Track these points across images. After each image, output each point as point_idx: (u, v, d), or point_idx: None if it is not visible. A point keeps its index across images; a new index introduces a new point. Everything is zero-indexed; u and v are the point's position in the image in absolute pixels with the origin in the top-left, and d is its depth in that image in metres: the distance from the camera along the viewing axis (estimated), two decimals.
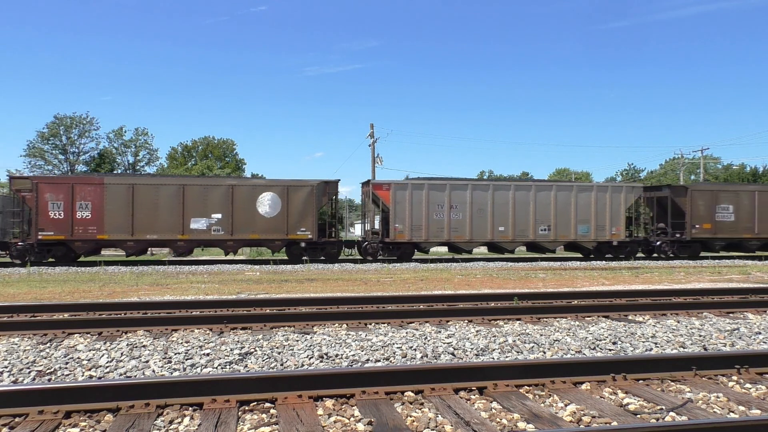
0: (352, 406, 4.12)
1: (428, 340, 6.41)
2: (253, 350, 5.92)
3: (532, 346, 6.22)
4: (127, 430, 3.62)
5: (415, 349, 5.99)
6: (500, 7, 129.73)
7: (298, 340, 6.40)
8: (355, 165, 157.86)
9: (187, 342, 6.29)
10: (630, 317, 8.10)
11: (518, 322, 7.63)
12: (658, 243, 25.05)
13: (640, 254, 26.14)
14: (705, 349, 6.32)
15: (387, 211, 22.83)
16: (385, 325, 7.38)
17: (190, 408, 4.03)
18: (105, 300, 10.14)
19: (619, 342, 6.49)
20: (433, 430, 3.66)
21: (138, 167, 62.69)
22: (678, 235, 24.84)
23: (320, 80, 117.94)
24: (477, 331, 6.92)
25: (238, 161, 66.79)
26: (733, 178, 55.41)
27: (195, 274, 17.21)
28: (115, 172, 58.74)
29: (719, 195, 25.16)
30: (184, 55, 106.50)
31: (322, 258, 22.54)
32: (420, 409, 4.04)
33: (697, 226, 24.71)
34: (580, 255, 25.80)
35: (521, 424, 3.75)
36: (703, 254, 25.97)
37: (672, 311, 8.47)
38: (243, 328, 7.09)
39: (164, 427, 3.72)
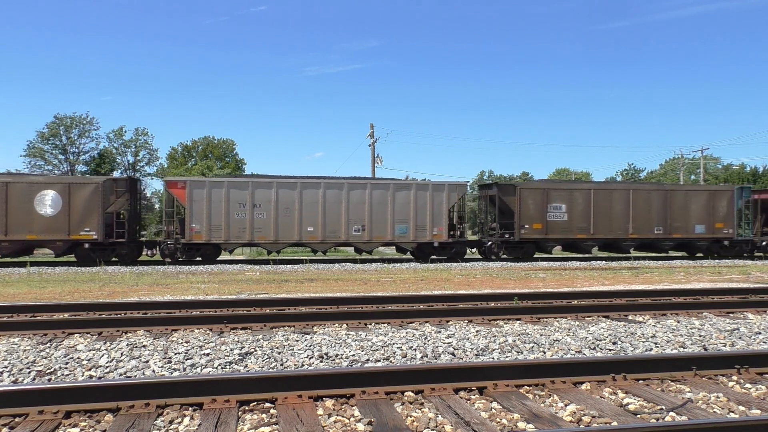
0: (352, 406, 4.12)
1: (428, 340, 6.41)
2: (253, 350, 5.92)
3: (532, 346, 6.22)
4: (127, 430, 3.62)
5: (415, 349, 5.99)
6: (500, 7, 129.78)
7: (298, 340, 6.40)
8: (355, 165, 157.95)
9: (187, 342, 6.29)
10: (630, 317, 8.10)
11: (518, 322, 7.63)
12: (489, 243, 23.64)
13: (476, 255, 24.88)
14: (705, 349, 6.32)
15: (184, 210, 21.84)
16: (385, 325, 7.38)
17: (190, 408, 4.03)
18: (105, 300, 10.14)
19: (619, 342, 6.49)
20: (433, 430, 3.66)
21: (138, 167, 62.70)
22: (507, 236, 23.50)
23: (320, 80, 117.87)
24: (477, 331, 6.92)
25: (238, 161, 66.75)
26: (733, 178, 55.41)
27: (195, 274, 17.21)
28: (115, 172, 58.73)
29: (551, 193, 23.66)
30: (184, 55, 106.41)
31: (115, 259, 21.54)
32: (420, 409, 4.04)
33: (526, 226, 23.29)
34: (409, 256, 23.93)
35: (521, 424, 3.75)
36: (538, 255, 24.59)
37: (672, 311, 8.47)
38: (243, 328, 7.09)
39: (164, 427, 3.72)
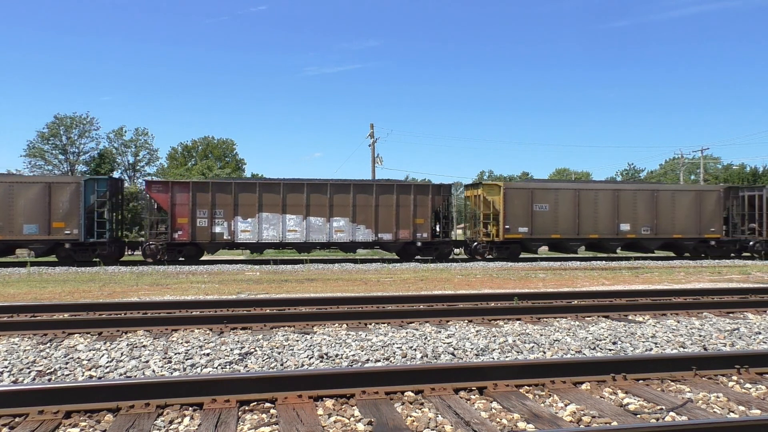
0: (352, 406, 4.12)
1: (428, 340, 6.41)
2: (253, 350, 5.92)
3: (532, 346, 6.22)
4: (127, 430, 3.62)
5: (415, 349, 5.99)
6: (500, 7, 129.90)
7: (298, 340, 6.40)
8: (355, 165, 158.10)
9: (187, 342, 6.29)
10: (630, 317, 8.10)
11: (518, 322, 7.63)
12: None
13: None
14: (705, 349, 6.32)
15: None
16: (385, 325, 7.37)
17: (190, 408, 4.03)
18: (105, 300, 10.14)
19: (619, 342, 6.49)
20: (433, 430, 3.66)
21: (138, 167, 62.70)
22: None
23: (320, 80, 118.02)
24: (477, 331, 6.92)
25: (238, 161, 66.76)
26: (733, 178, 55.44)
27: (195, 274, 17.21)
28: (115, 172, 58.72)
29: None
30: (183, 55, 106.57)
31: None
32: (420, 409, 4.04)
33: None
34: None
35: (521, 424, 3.75)
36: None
37: (672, 311, 8.47)
38: (243, 328, 7.09)
39: (164, 427, 3.72)
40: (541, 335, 6.76)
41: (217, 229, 21.71)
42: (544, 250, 26.33)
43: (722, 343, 6.52)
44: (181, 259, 21.82)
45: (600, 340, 6.54)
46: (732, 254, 25.36)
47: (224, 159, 65.68)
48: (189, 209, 21.42)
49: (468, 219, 26.02)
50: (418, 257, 23.28)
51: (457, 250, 25.00)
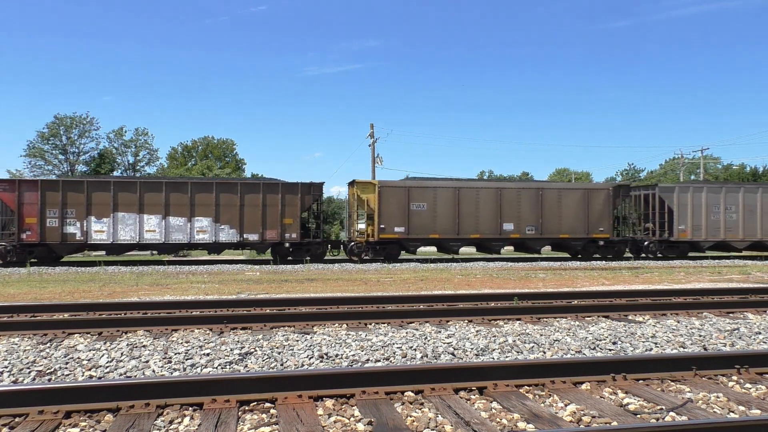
0: (352, 406, 4.12)
1: (428, 340, 6.41)
2: (253, 350, 5.92)
3: (532, 346, 6.22)
4: (127, 430, 3.62)
5: (415, 349, 5.99)
6: (500, 7, 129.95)
7: (298, 340, 6.40)
8: (355, 165, 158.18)
9: (187, 342, 6.29)
10: (630, 317, 8.10)
11: (518, 322, 7.63)
12: None
13: None
14: (705, 349, 6.32)
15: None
16: (385, 325, 7.38)
17: (190, 408, 4.03)
18: (105, 300, 10.14)
19: (619, 342, 6.49)
20: (433, 430, 3.66)
21: (138, 167, 62.70)
22: None
23: (320, 80, 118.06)
24: (477, 331, 6.92)
25: (238, 161, 66.76)
26: (733, 178, 55.46)
27: (195, 274, 17.21)
28: (115, 172, 58.72)
29: None
30: (183, 55, 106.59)
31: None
32: (420, 409, 4.04)
33: None
34: None
35: (521, 424, 3.75)
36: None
37: (672, 311, 8.47)
38: (243, 328, 7.09)
39: (164, 427, 3.72)
40: (541, 335, 6.76)
41: (70, 230, 21.05)
42: (433, 250, 25.67)
43: (722, 343, 6.52)
44: (33, 260, 21.09)
45: (600, 340, 6.54)
46: (628, 255, 24.57)
47: (224, 159, 65.69)
48: (38, 209, 20.77)
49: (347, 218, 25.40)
50: (290, 258, 22.81)
51: (335, 251, 24.66)
